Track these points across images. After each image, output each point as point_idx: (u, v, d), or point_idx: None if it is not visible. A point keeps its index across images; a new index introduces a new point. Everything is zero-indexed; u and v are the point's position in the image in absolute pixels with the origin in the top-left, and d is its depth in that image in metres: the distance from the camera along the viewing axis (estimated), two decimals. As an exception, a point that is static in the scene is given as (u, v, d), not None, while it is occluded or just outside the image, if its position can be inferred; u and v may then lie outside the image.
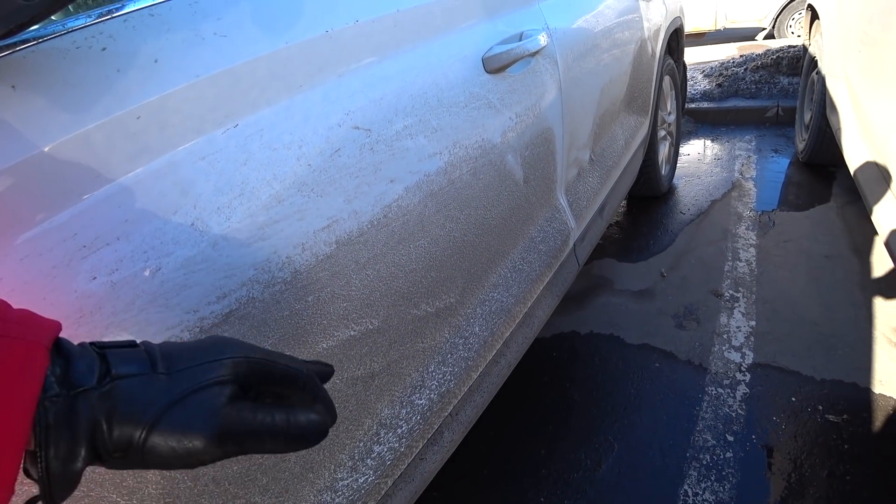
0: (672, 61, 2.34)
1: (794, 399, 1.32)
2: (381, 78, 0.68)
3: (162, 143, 0.50)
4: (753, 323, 1.59)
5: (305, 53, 0.61)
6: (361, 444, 0.73)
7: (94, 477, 0.46)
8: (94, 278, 0.46)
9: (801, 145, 2.55)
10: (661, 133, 2.32)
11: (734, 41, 5.40)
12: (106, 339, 0.46)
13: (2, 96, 0.45)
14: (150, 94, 0.51)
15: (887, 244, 1.32)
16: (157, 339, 0.49)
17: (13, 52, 0.47)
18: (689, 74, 3.49)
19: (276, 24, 0.60)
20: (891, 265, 1.70)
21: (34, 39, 0.49)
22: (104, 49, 0.51)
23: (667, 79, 2.27)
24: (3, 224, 0.43)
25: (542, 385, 1.51)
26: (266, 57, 0.58)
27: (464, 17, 0.87)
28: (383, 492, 0.76)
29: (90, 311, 0.46)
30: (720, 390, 1.39)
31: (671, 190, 2.52)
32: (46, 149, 0.45)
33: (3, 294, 0.42)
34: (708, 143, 3.09)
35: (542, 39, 1.00)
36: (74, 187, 0.46)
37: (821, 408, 1.29)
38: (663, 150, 2.37)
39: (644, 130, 1.90)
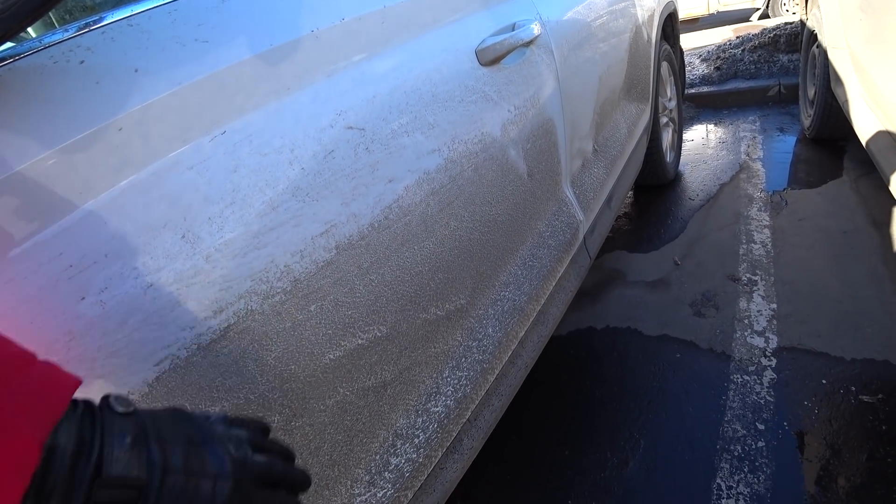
0: (668, 47, 2.31)
1: (824, 381, 1.27)
2: (372, 76, 0.66)
3: (146, 154, 0.48)
4: (774, 306, 1.54)
5: (291, 54, 0.59)
6: (378, 457, 0.70)
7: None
8: (83, 298, 0.44)
9: (806, 122, 2.50)
10: (664, 120, 2.28)
11: (728, 24, 5.35)
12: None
13: (-22, 117, 0.43)
14: (132, 105, 0.48)
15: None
16: (152, 359, 0.46)
17: (-10, 71, 0.45)
18: (686, 60, 3.45)
19: (259, 26, 0.58)
20: (913, 236, 1.64)
21: (10, 57, 0.47)
22: (82, 62, 0.49)
23: (665, 65, 2.24)
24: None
25: (562, 384, 1.47)
26: (250, 60, 0.55)
27: (453, 10, 0.85)
28: (404, 505, 0.73)
29: (80, 332, 0.43)
30: (746, 377, 1.34)
31: (678, 177, 2.47)
32: (26, 166, 0.43)
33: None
34: (711, 127, 3.04)
35: (536, 28, 0.98)
36: (57, 205, 0.44)
37: (854, 389, 1.23)
38: (667, 137, 2.33)
39: (646, 117, 1.87)
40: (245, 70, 0.55)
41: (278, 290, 0.52)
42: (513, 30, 0.95)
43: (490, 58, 0.85)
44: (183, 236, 0.48)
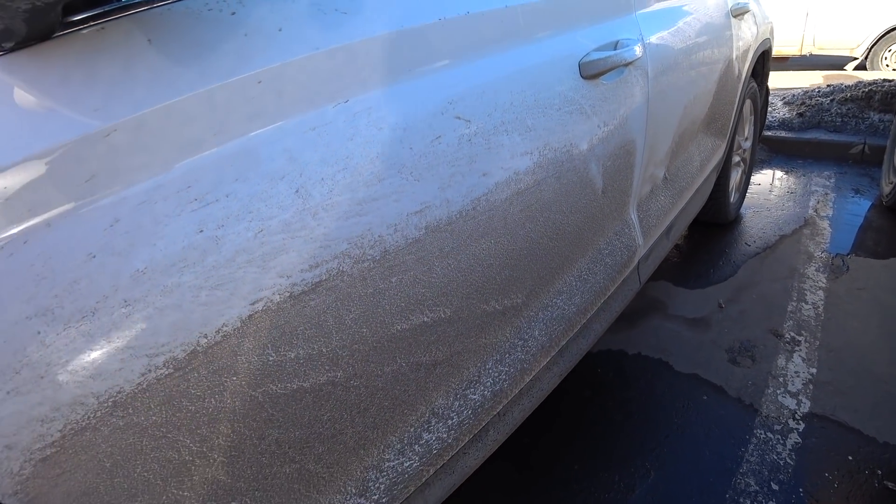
0: (755, 85, 2.23)
1: (850, 458, 1.24)
2: (484, 71, 0.68)
3: (277, 109, 0.52)
4: (814, 370, 1.51)
5: (419, 38, 0.61)
6: (412, 430, 0.73)
7: (171, 419, 0.48)
8: (202, 231, 0.48)
9: (887, 188, 2.39)
10: (735, 159, 2.22)
11: (819, 69, 5.11)
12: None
13: (139, 48, 0.47)
14: (272, 61, 0.52)
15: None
16: (249, 298, 0.50)
17: (151, 7, 0.49)
18: (769, 100, 3.32)
19: (393, 7, 0.61)
20: (977, 330, 1.57)
21: (168, -1, 0.51)
22: (234, 13, 0.53)
23: (748, 102, 2.17)
24: (133, 165, 0.45)
25: (584, 400, 1.48)
26: (382, 37, 0.58)
27: (566, 20, 0.85)
28: (424, 479, 0.76)
29: (193, 261, 0.47)
30: (770, 435, 1.32)
31: (738, 219, 2.41)
32: (173, 101, 0.47)
33: (121, 234, 0.44)
34: (782, 174, 2.94)
35: (638, 50, 0.97)
36: (194, 141, 0.48)
37: (880, 472, 1.20)
38: (735, 177, 2.27)
39: (720, 153, 1.83)
40: (376, 46, 0.58)
41: (368, 258, 0.55)
42: (615, 48, 0.95)
43: (592, 72, 0.86)
44: (297, 191, 0.51)
